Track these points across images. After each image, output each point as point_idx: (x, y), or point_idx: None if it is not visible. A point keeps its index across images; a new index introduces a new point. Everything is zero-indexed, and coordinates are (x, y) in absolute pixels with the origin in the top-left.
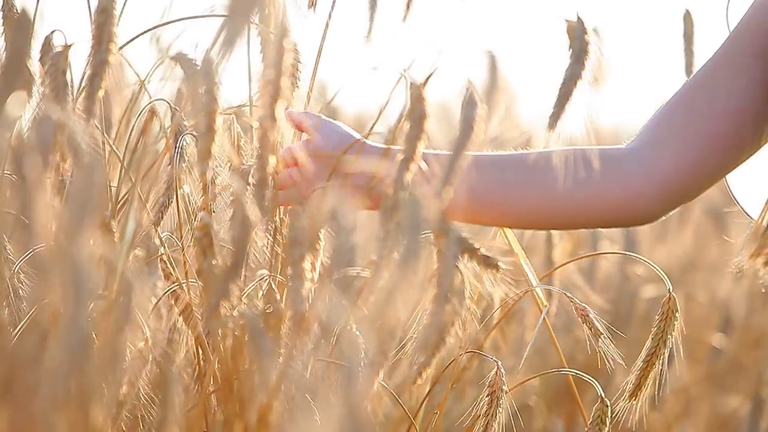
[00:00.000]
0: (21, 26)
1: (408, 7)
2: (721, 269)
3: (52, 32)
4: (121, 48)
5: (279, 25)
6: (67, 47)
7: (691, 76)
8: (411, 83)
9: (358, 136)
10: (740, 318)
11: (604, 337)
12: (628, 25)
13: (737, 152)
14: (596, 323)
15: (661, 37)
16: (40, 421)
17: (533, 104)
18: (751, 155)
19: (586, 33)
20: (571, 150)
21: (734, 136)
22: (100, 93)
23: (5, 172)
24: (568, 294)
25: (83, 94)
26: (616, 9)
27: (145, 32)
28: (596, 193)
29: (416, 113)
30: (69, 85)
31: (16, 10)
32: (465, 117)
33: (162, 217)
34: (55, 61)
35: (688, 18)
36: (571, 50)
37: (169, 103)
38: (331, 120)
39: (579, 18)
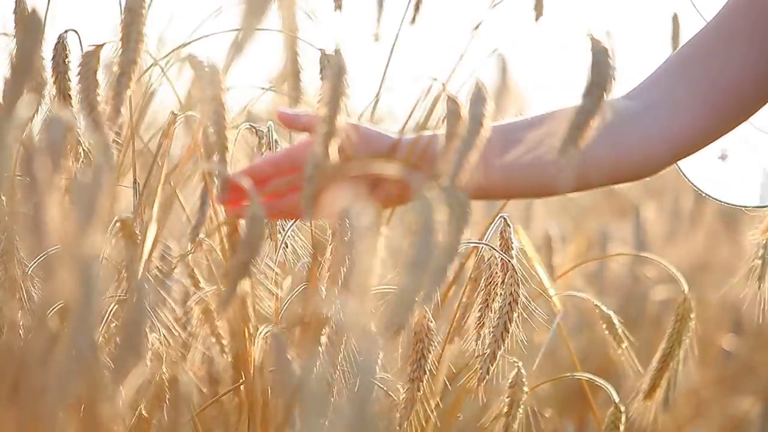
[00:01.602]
0: (30, 27)
1: (417, 8)
2: (733, 270)
3: (66, 32)
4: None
5: (335, 62)
6: (99, 47)
7: (702, 29)
8: (449, 99)
9: (394, 136)
10: (752, 319)
11: (620, 332)
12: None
13: (749, 113)
14: (612, 319)
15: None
16: (49, 422)
17: (543, 106)
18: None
19: (609, 58)
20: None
21: (747, 102)
22: (128, 92)
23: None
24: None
25: (111, 93)
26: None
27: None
28: (616, 155)
29: (451, 131)
30: (100, 85)
31: (28, 11)
32: (473, 114)
33: (202, 221)
34: (87, 60)
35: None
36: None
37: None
38: (368, 125)
39: (599, 38)
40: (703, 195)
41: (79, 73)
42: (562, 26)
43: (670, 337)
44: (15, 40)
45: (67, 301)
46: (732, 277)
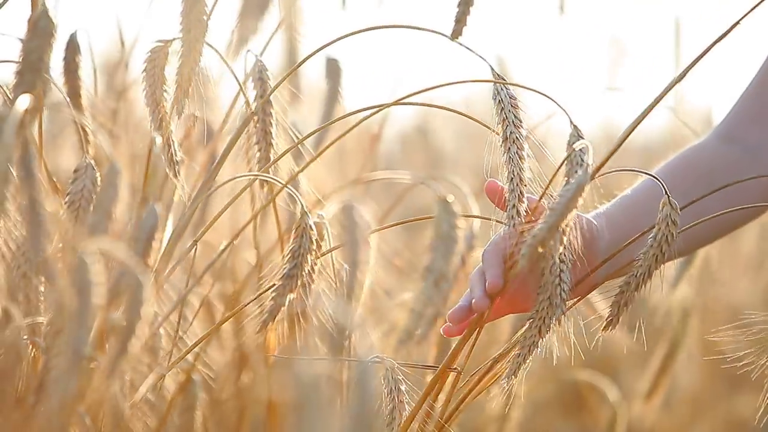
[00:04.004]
0: (39, 27)
1: (461, 21)
2: (736, 270)
3: (76, 31)
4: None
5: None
6: (167, 43)
7: None
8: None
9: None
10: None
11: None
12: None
13: None
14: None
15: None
16: (47, 424)
17: (543, 107)
18: None
19: None
20: (724, 170)
21: None
22: (191, 84)
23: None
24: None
25: (175, 87)
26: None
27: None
28: (732, 204)
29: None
30: (166, 83)
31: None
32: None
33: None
34: (154, 57)
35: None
36: None
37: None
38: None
39: None
40: None
41: (144, 70)
42: (565, 27)
43: (670, 340)
44: (25, 38)
45: (65, 302)
46: (735, 276)
